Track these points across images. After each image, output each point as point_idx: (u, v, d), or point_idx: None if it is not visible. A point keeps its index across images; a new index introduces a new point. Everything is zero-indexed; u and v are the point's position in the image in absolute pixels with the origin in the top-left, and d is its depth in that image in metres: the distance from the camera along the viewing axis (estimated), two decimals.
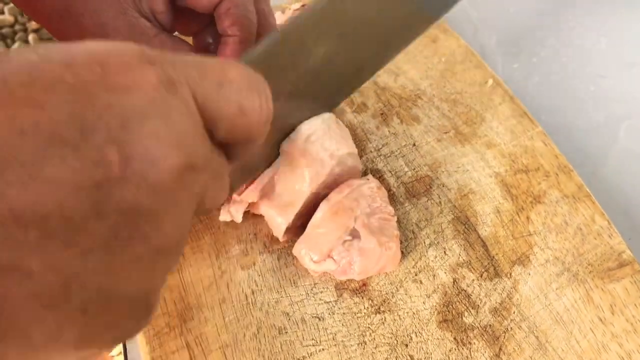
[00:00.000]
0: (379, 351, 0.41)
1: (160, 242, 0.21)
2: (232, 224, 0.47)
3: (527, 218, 0.49)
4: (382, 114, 0.55)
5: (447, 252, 0.46)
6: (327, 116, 0.47)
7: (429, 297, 0.44)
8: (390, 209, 0.46)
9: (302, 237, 0.44)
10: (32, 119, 0.17)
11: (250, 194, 0.44)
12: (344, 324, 0.42)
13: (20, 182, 0.17)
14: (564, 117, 0.61)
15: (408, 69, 0.59)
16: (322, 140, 0.45)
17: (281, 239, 0.45)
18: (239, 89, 0.24)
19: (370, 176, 0.46)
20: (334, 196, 0.44)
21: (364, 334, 0.42)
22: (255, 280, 0.44)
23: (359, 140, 0.53)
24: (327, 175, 0.44)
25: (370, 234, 0.43)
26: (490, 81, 0.58)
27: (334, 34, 0.42)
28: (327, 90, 0.47)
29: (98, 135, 0.18)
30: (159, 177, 0.20)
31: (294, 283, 0.44)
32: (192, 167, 0.21)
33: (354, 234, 0.44)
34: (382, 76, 0.58)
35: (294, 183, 0.45)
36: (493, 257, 0.46)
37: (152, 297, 0.22)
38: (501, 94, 0.57)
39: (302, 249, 0.44)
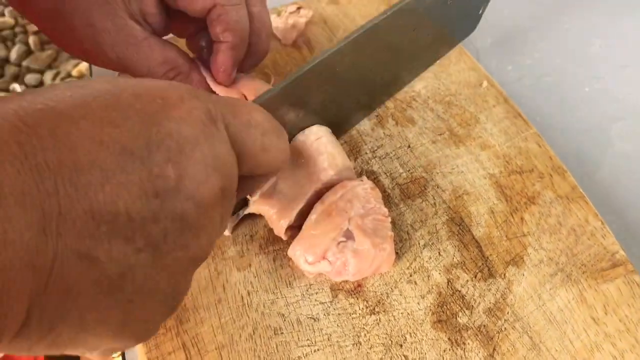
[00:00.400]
0: (374, 351, 0.41)
1: (196, 252, 0.24)
2: (227, 225, 0.47)
3: (521, 219, 0.49)
4: (377, 115, 0.56)
5: (441, 253, 0.47)
6: (325, 129, 0.47)
7: (423, 297, 0.44)
8: (384, 209, 0.46)
9: (296, 239, 0.45)
10: (110, 134, 0.21)
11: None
12: (339, 324, 0.43)
13: (99, 184, 0.20)
14: (558, 119, 0.62)
15: None
16: (326, 144, 0.46)
17: (284, 237, 0.45)
18: (264, 131, 0.28)
19: (364, 177, 0.47)
20: (328, 197, 0.45)
21: (358, 334, 0.42)
22: (251, 282, 0.44)
23: (354, 142, 0.53)
24: (328, 179, 0.45)
25: (364, 236, 0.44)
26: (485, 83, 0.59)
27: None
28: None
29: (160, 153, 0.22)
30: (204, 194, 0.23)
31: (290, 284, 0.45)
32: (227, 190, 0.25)
33: (348, 235, 0.44)
34: None
35: (296, 181, 0.45)
36: (487, 257, 0.47)
37: (180, 298, 0.26)
38: (495, 96, 0.58)
39: (297, 250, 0.44)
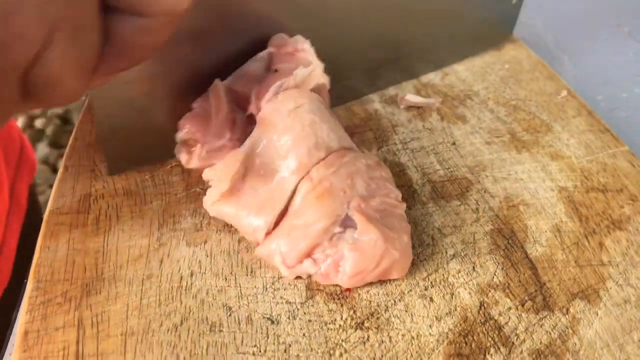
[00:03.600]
0: None
1: None
2: (193, 194, 0.36)
3: (600, 244, 0.34)
4: (418, 108, 0.44)
5: (476, 268, 0.32)
6: (310, 94, 0.36)
7: (439, 319, 0.30)
8: (397, 192, 0.33)
9: (274, 232, 0.32)
10: None
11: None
12: (306, 334, 0.29)
13: None
14: None
15: (460, 69, 0.48)
16: (311, 116, 0.34)
17: (260, 249, 0.32)
18: None
19: (365, 150, 0.34)
20: (318, 172, 0.32)
21: (332, 352, 0.28)
22: (199, 261, 0.32)
23: (382, 130, 0.41)
24: (315, 164, 0.32)
25: (370, 222, 0.31)
26: (564, 92, 0.46)
27: None
28: None
29: None
30: None
31: (251, 272, 0.32)
32: None
33: (346, 224, 0.31)
34: (427, 74, 0.47)
35: (275, 169, 0.33)
36: (544, 283, 0.32)
37: None
38: (576, 107, 0.44)
39: (273, 245, 0.31)
